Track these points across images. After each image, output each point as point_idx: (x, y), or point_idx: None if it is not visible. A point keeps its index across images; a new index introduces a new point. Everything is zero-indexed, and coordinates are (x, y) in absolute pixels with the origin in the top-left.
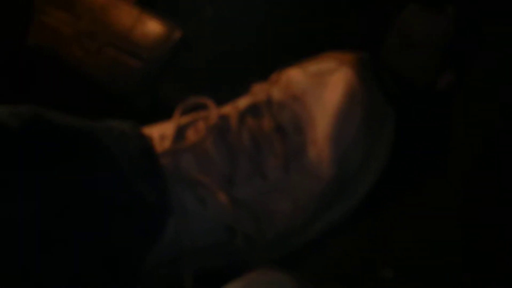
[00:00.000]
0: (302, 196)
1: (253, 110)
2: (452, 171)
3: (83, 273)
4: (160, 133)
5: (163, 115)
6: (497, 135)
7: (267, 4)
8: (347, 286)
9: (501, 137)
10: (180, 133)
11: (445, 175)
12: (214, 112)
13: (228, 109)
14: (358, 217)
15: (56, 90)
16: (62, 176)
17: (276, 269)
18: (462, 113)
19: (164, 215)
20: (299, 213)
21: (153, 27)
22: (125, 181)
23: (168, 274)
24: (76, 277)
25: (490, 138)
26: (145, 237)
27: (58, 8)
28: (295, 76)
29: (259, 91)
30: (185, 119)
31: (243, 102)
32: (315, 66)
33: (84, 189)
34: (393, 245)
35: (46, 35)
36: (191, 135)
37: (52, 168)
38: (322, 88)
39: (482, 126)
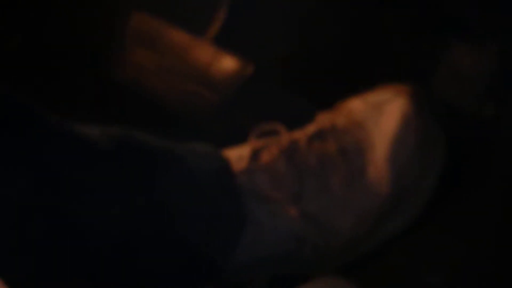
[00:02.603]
0: (363, 211)
1: (320, 135)
2: (498, 188)
3: (165, 280)
4: (237, 155)
5: (238, 140)
6: None
7: (330, 40)
8: None
9: None
10: (255, 155)
11: (492, 191)
12: (285, 137)
13: (297, 134)
14: (411, 227)
15: (140, 118)
16: (147, 190)
17: (339, 277)
18: (506, 138)
19: (240, 225)
20: (360, 226)
21: (227, 63)
22: (205, 195)
23: (244, 280)
24: (158, 283)
25: None
26: (224, 245)
27: (144, 46)
28: (357, 105)
29: (324, 119)
30: (259, 143)
31: (310, 128)
32: (374, 97)
33: (167, 203)
34: (441, 253)
35: (133, 71)
36: (265, 157)
37: (139, 183)
38: (380, 116)
39: None
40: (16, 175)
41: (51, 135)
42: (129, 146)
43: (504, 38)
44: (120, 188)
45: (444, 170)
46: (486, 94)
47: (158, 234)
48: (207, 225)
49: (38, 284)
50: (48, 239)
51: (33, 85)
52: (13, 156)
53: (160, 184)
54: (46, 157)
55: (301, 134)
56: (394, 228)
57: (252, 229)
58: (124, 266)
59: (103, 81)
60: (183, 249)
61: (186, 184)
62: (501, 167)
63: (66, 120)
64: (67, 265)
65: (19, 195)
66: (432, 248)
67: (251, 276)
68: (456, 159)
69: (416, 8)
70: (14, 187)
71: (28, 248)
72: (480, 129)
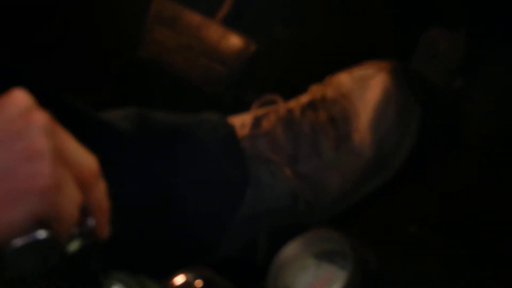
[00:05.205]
0: (349, 171)
1: (312, 105)
2: (465, 149)
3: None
4: (241, 122)
5: (243, 108)
6: (495, 127)
7: (324, 23)
8: (381, 240)
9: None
10: (256, 122)
11: (460, 153)
12: (282, 107)
13: (292, 104)
14: (391, 186)
15: (163, 90)
16: (165, 161)
17: (329, 228)
18: (471, 107)
19: (244, 185)
20: (346, 184)
21: (234, 41)
22: (215, 160)
23: (248, 230)
24: (185, 225)
25: (492, 129)
26: (231, 201)
27: (164, 26)
28: (344, 79)
29: (316, 91)
30: (260, 112)
31: (304, 99)
32: (359, 72)
33: (183, 169)
34: (418, 206)
35: (155, 48)
36: (265, 124)
37: (157, 156)
38: (364, 89)
39: (485, 118)
40: None
41: (80, 120)
42: (146, 126)
43: (473, 23)
44: (140, 164)
45: (419, 135)
46: (457, 71)
47: (174, 203)
48: (218, 185)
49: None
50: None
51: (67, 63)
52: None
53: (176, 158)
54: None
55: (296, 104)
56: (376, 186)
57: (254, 187)
58: (143, 232)
59: (131, 57)
60: (197, 211)
61: (198, 153)
62: (468, 131)
63: (91, 107)
64: None
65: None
66: (410, 202)
67: (253, 228)
68: (430, 126)
69: None
70: None
71: None
72: (450, 100)
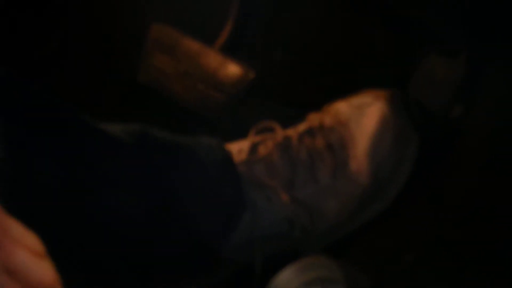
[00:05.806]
0: (346, 198)
1: (309, 132)
2: (462, 177)
3: (175, 261)
4: (238, 148)
5: (240, 134)
6: (494, 155)
7: (322, 50)
8: (377, 268)
9: (498, 156)
10: (253, 148)
11: (457, 180)
12: (280, 133)
13: (290, 131)
14: (387, 212)
15: (160, 113)
16: (165, 179)
17: (321, 255)
18: (471, 135)
19: (240, 209)
20: (343, 211)
21: (233, 69)
22: (212, 179)
23: (244, 255)
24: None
25: (489, 158)
26: (227, 228)
27: (163, 53)
28: (342, 107)
29: (314, 118)
30: (257, 138)
31: (301, 126)
32: (357, 100)
33: (182, 188)
34: (414, 234)
35: (153, 74)
36: (262, 150)
37: (155, 169)
38: (362, 117)
39: (483, 147)
40: (54, 166)
41: (82, 132)
42: (146, 141)
43: (472, 51)
44: (139, 177)
45: (417, 163)
46: (455, 98)
47: (171, 219)
48: (214, 210)
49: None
50: (79, 217)
51: (66, 85)
52: (51, 149)
53: (174, 174)
54: (78, 150)
55: (294, 131)
56: (373, 213)
57: (250, 211)
58: (139, 250)
59: (130, 82)
60: (192, 233)
61: (196, 174)
62: (465, 159)
63: (94, 119)
64: (87, 244)
65: (56, 181)
66: (406, 231)
67: (248, 254)
68: (427, 154)
69: (399, 24)
70: (53, 175)
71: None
72: (449, 128)
